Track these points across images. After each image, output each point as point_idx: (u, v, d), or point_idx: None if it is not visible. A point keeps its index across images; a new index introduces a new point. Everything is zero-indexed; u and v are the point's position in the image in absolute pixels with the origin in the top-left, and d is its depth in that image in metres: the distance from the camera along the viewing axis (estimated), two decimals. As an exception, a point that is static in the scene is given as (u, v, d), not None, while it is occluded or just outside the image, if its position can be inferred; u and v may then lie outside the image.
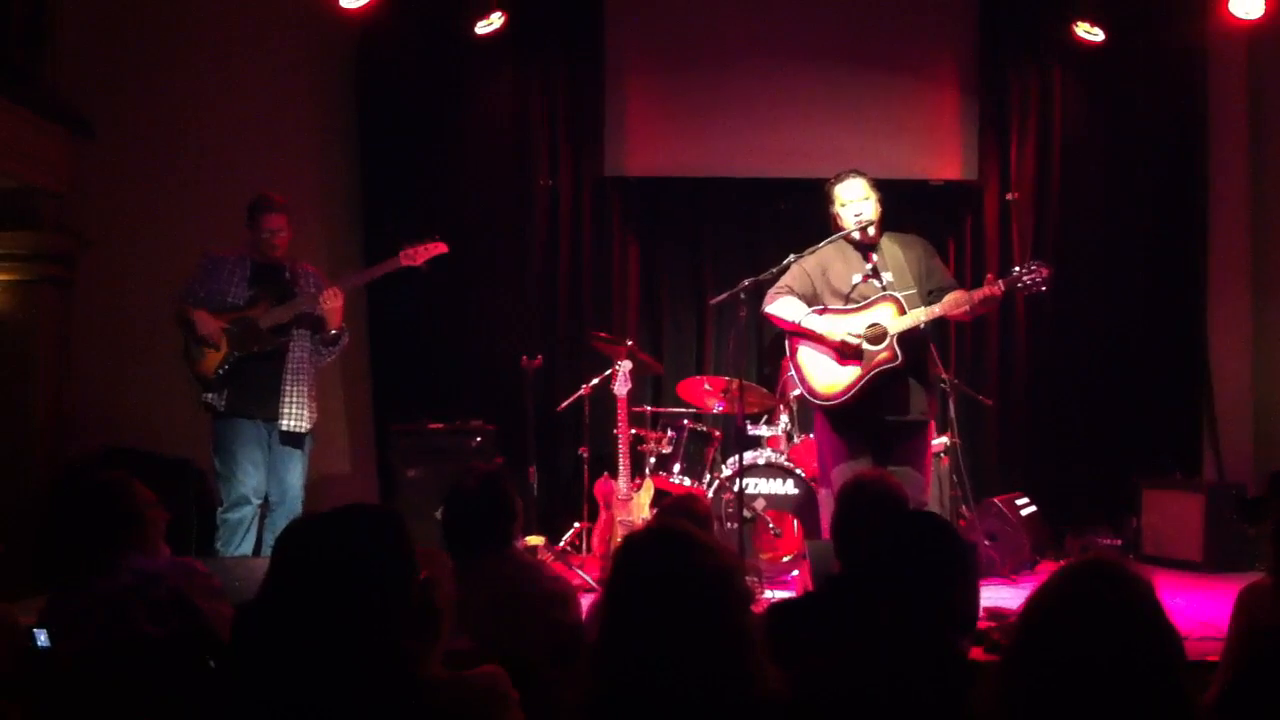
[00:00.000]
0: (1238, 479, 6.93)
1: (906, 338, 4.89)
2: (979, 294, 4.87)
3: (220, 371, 5.22)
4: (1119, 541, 6.72)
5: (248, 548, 5.18)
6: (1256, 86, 7.30)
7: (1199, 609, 5.19)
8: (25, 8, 6.47)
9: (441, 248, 5.50)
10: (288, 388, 5.28)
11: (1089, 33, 6.86)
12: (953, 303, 4.88)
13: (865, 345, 4.92)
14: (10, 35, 6.37)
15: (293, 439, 5.31)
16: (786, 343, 5.22)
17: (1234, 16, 6.46)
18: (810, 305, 5.06)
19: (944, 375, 6.08)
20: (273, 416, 5.28)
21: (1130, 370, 7.25)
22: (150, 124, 6.99)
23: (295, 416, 5.29)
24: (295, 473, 5.32)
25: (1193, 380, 7.29)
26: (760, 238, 7.23)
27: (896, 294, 4.93)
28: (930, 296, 4.96)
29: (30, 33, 6.50)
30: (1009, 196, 7.27)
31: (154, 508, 3.23)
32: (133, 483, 3.23)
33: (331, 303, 5.27)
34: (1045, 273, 4.86)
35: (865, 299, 5.00)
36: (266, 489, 5.29)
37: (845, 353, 4.97)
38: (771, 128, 7.22)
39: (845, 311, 5.01)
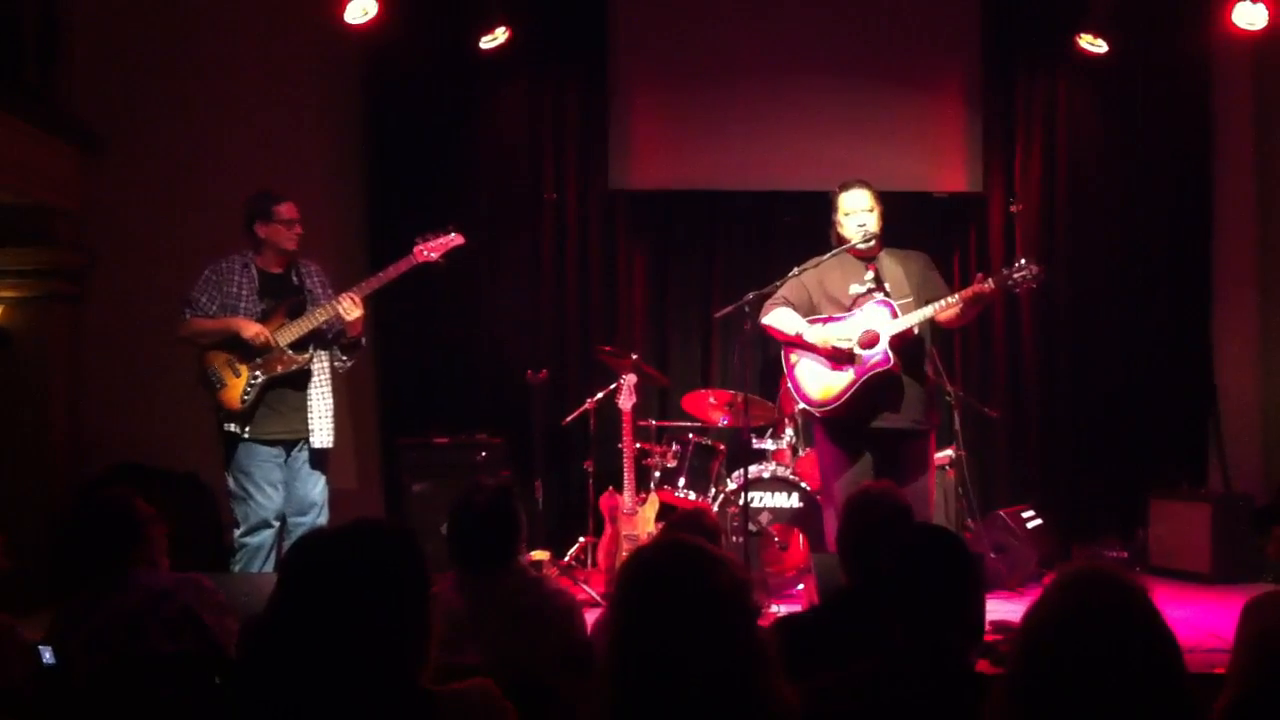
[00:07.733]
0: (1245, 489, 6.90)
1: (901, 343, 4.89)
2: (968, 291, 4.86)
3: (245, 399, 5.03)
4: (1125, 554, 6.70)
5: (268, 570, 5.11)
6: (1262, 97, 7.30)
7: (1206, 620, 5.18)
8: (37, 26, 6.51)
9: (458, 239, 5.31)
10: (314, 404, 5.16)
11: (1092, 44, 6.86)
12: (943, 304, 4.88)
13: (857, 350, 4.92)
14: (23, 54, 6.41)
15: (321, 456, 5.21)
16: (782, 354, 5.22)
17: (1238, 27, 6.47)
18: (807, 315, 5.06)
19: (949, 388, 6.08)
20: (293, 437, 5.15)
21: (1137, 381, 7.23)
22: (161, 140, 7.01)
23: (324, 432, 5.18)
24: (319, 488, 5.20)
25: (1199, 390, 7.26)
26: (766, 250, 7.22)
27: (890, 299, 4.93)
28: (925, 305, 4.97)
29: (42, 51, 6.54)
30: (1013, 208, 7.27)
31: (154, 522, 3.25)
32: (133, 498, 3.25)
33: (353, 312, 5.09)
34: (1035, 269, 4.83)
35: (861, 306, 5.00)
36: (284, 508, 5.16)
37: (838, 358, 4.98)
38: (777, 141, 7.22)
39: (838, 319, 5.02)
